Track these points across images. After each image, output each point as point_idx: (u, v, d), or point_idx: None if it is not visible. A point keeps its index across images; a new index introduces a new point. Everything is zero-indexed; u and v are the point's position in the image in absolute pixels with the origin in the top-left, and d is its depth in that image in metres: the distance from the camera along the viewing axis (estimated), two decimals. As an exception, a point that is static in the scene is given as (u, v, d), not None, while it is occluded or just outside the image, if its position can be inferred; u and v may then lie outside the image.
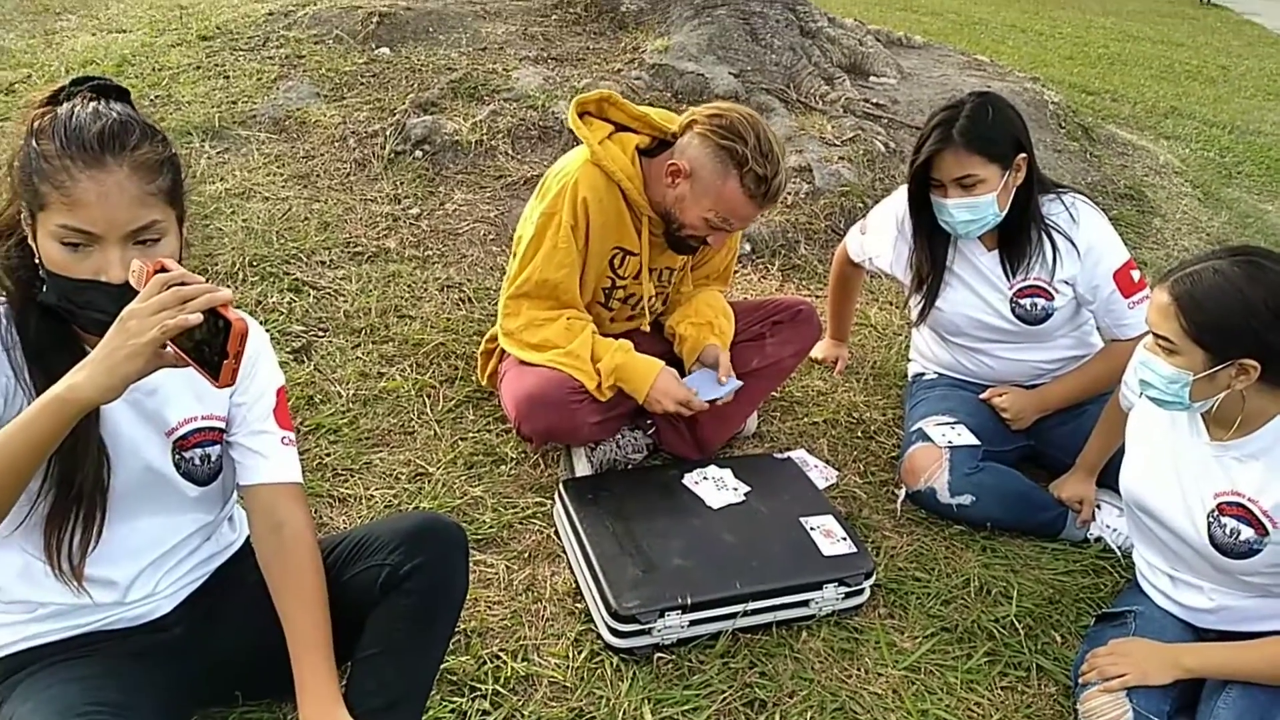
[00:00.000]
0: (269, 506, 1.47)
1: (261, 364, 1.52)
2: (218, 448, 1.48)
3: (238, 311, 1.15)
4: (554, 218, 2.21)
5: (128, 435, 1.37)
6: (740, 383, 2.32)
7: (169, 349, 1.15)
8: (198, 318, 1.13)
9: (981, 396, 2.53)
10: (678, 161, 2.17)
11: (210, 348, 1.15)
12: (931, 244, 2.45)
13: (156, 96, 3.98)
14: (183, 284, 1.15)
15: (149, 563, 1.45)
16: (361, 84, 4.13)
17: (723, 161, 2.12)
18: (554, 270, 2.22)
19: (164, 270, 1.18)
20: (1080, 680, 1.83)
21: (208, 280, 1.19)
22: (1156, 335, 1.73)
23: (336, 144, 3.74)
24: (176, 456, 1.43)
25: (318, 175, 3.57)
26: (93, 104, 1.27)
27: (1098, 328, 2.52)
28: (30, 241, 1.27)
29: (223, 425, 1.48)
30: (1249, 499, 1.74)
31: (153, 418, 1.40)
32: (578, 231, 2.21)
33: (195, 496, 1.47)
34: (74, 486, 1.31)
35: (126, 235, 1.24)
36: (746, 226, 2.30)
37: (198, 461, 1.45)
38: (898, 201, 2.52)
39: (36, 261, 1.27)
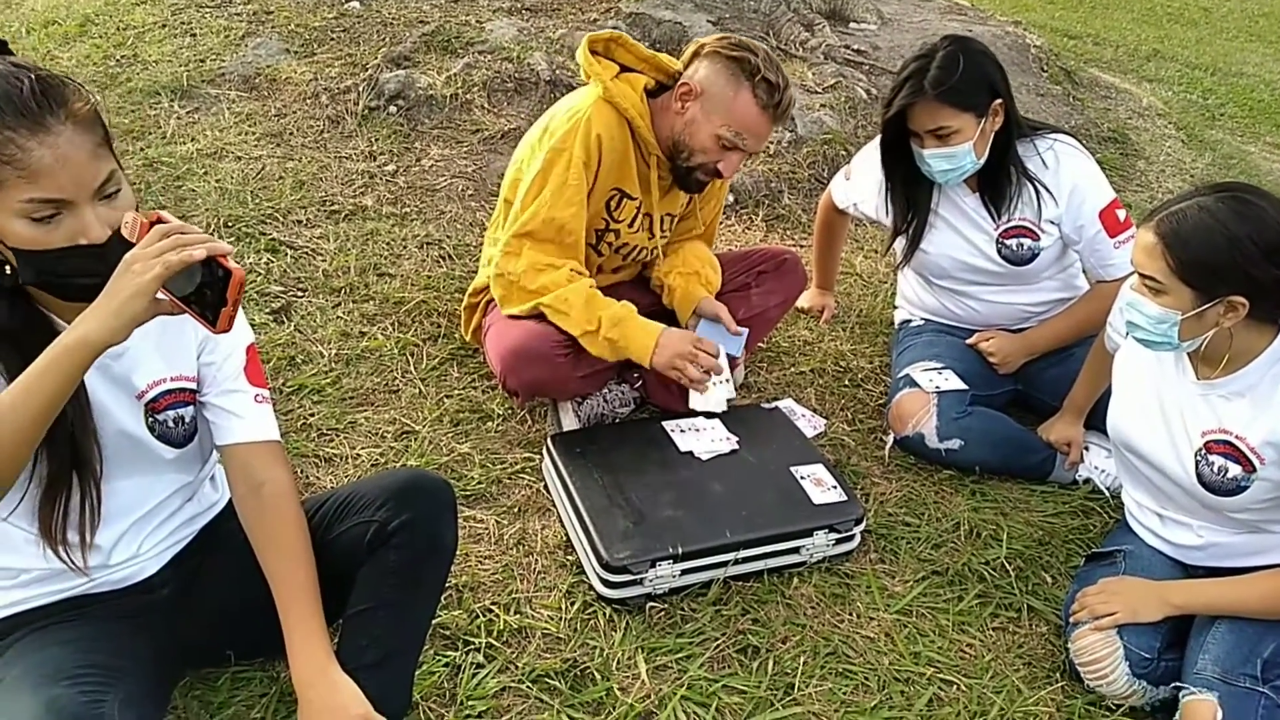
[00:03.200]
0: (247, 466, 1.45)
1: None
2: (191, 408, 1.45)
3: (234, 263, 1.15)
4: (564, 153, 2.13)
5: (99, 401, 1.34)
6: (746, 330, 2.31)
7: (165, 298, 1.14)
8: (201, 252, 1.12)
9: (968, 341, 2.52)
10: (689, 82, 2.14)
11: (211, 292, 1.15)
12: (914, 188, 2.42)
13: (122, 56, 3.88)
14: (182, 234, 1.15)
15: (130, 524, 1.43)
16: (332, 39, 4.04)
17: (734, 73, 2.10)
18: (562, 208, 2.14)
19: (161, 221, 1.16)
20: (1071, 619, 1.84)
21: None
22: (1143, 275, 1.71)
23: (309, 101, 3.67)
24: (150, 419, 1.40)
25: (291, 133, 3.50)
26: None
27: (1083, 270, 2.51)
28: None
29: (194, 386, 1.45)
30: (1236, 436, 1.74)
31: (121, 382, 1.37)
32: (589, 169, 2.15)
33: (172, 458, 1.44)
34: (70, 476, 1.30)
35: (94, 193, 1.20)
36: (758, 149, 2.25)
37: (171, 423, 1.42)
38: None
39: None
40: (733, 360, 2.32)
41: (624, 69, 2.24)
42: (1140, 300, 1.73)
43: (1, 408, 1.14)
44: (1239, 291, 1.64)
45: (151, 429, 1.40)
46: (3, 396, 1.15)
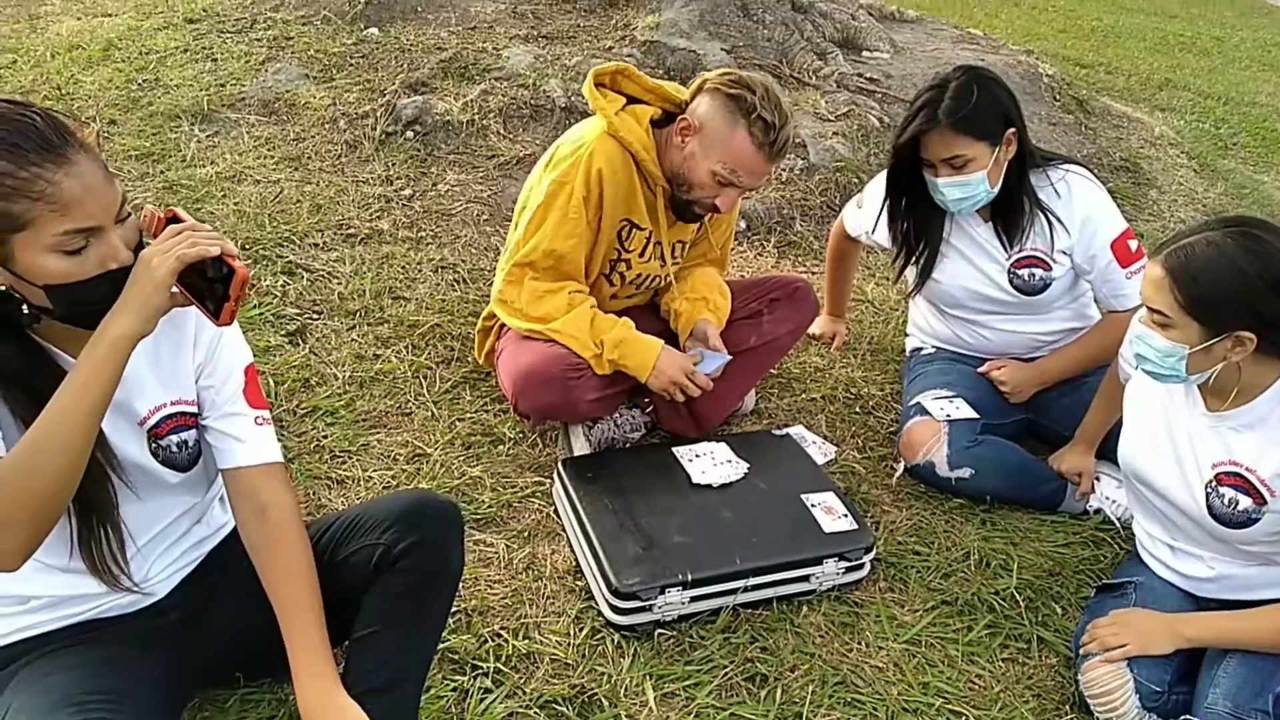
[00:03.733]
0: (251, 490, 1.44)
1: (226, 343, 1.47)
2: (193, 432, 1.45)
3: (239, 262, 1.24)
4: (565, 187, 2.18)
5: (104, 431, 1.33)
6: (729, 357, 2.31)
7: (176, 290, 1.22)
8: (216, 249, 1.21)
9: (980, 370, 2.52)
10: (688, 118, 2.17)
11: (219, 285, 1.24)
12: (926, 217, 2.43)
13: (144, 80, 3.94)
14: (194, 232, 1.23)
15: (139, 548, 1.44)
16: (350, 65, 4.09)
17: (731, 111, 2.12)
18: (561, 241, 2.19)
19: (177, 219, 1.25)
20: (1081, 651, 1.83)
21: None
22: (1151, 309, 1.71)
23: (327, 126, 3.71)
24: (153, 445, 1.40)
25: (309, 157, 3.55)
26: None
27: (1095, 300, 2.52)
28: None
29: (194, 409, 1.45)
30: (1246, 468, 1.74)
31: (123, 409, 1.37)
32: (589, 203, 2.19)
33: (177, 482, 1.45)
34: (94, 510, 1.33)
35: (116, 216, 1.23)
36: (756, 185, 2.27)
37: (175, 448, 1.42)
38: (893, 175, 2.50)
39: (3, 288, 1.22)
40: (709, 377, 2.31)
41: (631, 100, 2.27)
42: (1148, 333, 1.73)
43: (55, 417, 1.18)
44: (1247, 326, 1.64)
45: (155, 455, 1.41)
46: (48, 413, 1.18)
